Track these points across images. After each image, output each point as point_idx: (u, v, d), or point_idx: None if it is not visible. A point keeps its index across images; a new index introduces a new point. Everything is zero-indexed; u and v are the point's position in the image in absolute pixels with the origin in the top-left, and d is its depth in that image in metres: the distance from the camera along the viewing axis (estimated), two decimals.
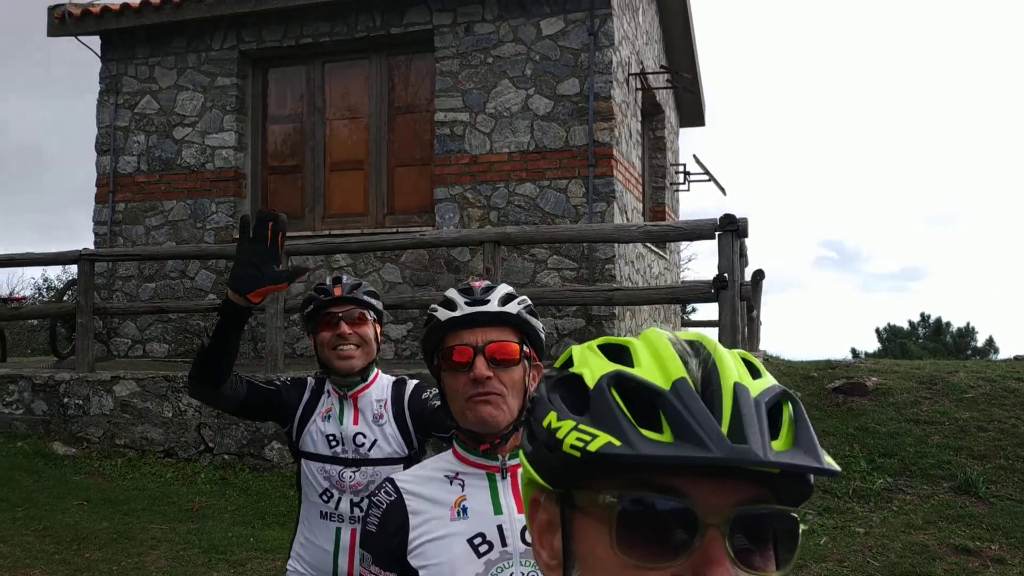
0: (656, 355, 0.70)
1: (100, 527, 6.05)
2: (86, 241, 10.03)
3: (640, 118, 10.17)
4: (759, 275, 11.11)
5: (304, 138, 9.64)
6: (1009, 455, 6.84)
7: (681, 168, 12.25)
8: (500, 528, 1.58)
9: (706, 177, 12.15)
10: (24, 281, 22.06)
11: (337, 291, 2.63)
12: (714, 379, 0.67)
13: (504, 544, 1.57)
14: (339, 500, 2.56)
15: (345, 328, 2.59)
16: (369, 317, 2.66)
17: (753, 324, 10.68)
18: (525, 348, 1.67)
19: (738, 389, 0.66)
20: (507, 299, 1.68)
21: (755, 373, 0.70)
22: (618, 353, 0.72)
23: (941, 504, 6.05)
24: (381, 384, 2.70)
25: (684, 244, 15.39)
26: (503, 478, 1.64)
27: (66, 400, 7.98)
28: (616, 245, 8.09)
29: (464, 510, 1.59)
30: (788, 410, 0.68)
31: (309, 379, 2.76)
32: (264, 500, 6.79)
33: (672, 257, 12.05)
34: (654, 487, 0.65)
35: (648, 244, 9.81)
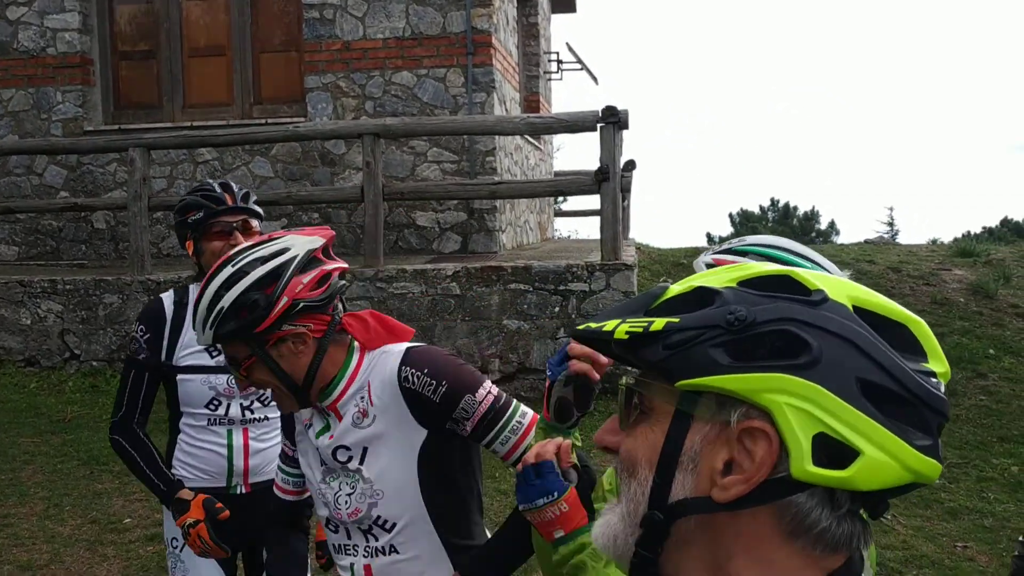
0: None
1: None
2: None
3: (516, 4, 9.93)
4: (631, 165, 11.31)
5: (157, 20, 8.89)
6: None
7: (554, 57, 12.13)
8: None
9: (578, 66, 12.09)
10: None
11: (229, 200, 2.60)
12: None
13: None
14: (228, 406, 2.63)
15: (240, 239, 2.54)
16: (256, 227, 2.63)
17: (624, 213, 10.93)
18: None
19: None
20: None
21: None
22: None
23: None
24: None
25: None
26: None
27: None
28: (497, 137, 7.99)
29: (308, 426, 1.81)
30: None
31: (163, 298, 2.69)
32: None
33: (546, 147, 12.06)
34: None
35: (527, 135, 9.75)
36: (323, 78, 8.33)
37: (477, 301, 6.68)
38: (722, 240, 28.19)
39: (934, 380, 0.71)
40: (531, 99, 11.32)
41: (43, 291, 7.26)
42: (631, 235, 11.53)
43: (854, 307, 0.72)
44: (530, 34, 11.40)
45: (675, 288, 0.77)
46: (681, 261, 9.74)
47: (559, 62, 12.10)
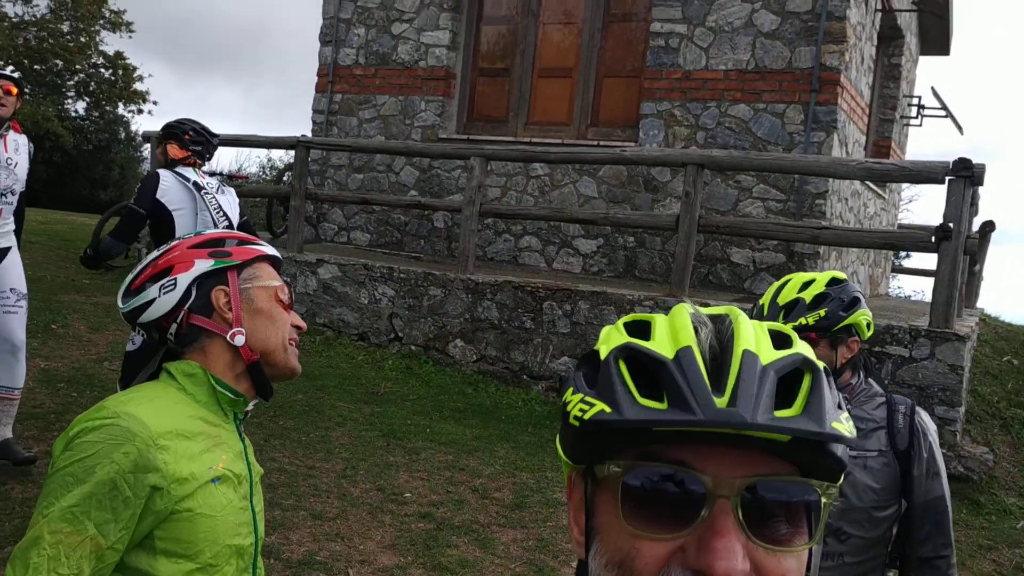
0: (671, 327, 0.71)
1: (295, 399, 6.51)
2: (308, 128, 10.53)
3: (876, 42, 9.30)
4: (988, 227, 10.08)
5: (516, 41, 9.55)
6: None
7: (915, 101, 11.18)
8: None
9: (943, 113, 11.04)
10: (251, 160, 23.77)
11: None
12: (728, 348, 0.68)
13: None
14: None
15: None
16: None
17: (974, 279, 9.76)
18: None
19: (745, 356, 0.67)
20: None
21: (781, 343, 0.71)
22: (639, 328, 0.73)
23: None
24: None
25: (906, 184, 14.21)
26: None
27: None
28: (831, 180, 7.54)
29: None
30: (807, 380, 0.68)
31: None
32: (444, 394, 7.05)
33: (891, 196, 11.15)
34: (662, 459, 0.67)
35: (867, 181, 9.09)
36: (659, 105, 8.41)
37: None
38: None
39: None
40: (881, 144, 10.53)
41: (381, 276, 8.09)
42: (978, 304, 10.28)
43: None
44: (890, 75, 10.62)
45: None
46: None
47: (920, 107, 11.14)
